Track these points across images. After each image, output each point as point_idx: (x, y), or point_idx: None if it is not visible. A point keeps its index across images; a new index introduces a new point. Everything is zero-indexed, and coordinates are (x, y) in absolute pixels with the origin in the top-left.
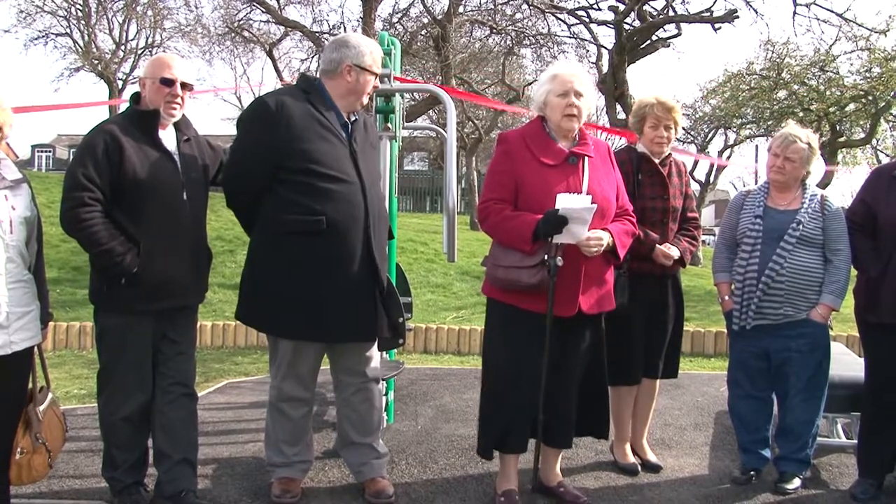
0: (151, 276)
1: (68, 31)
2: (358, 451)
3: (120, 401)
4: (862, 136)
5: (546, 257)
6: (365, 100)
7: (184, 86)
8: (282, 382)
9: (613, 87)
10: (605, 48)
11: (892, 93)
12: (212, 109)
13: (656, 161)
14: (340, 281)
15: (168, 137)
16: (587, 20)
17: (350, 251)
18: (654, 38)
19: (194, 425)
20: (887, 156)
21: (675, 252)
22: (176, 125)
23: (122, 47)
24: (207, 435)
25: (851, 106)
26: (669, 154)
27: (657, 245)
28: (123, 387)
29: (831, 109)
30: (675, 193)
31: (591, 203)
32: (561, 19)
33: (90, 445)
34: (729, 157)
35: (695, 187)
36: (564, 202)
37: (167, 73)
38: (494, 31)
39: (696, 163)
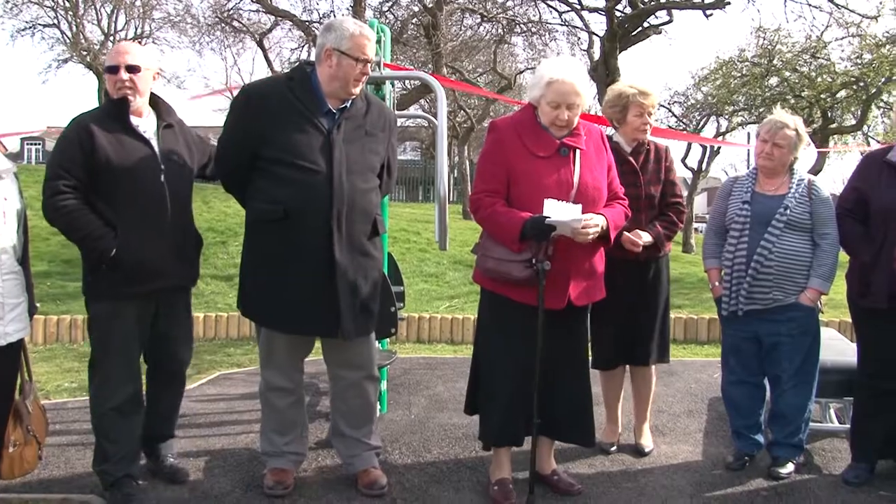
0: (130, 258)
1: (56, 21)
2: (349, 443)
3: (109, 391)
4: (853, 122)
5: (534, 260)
6: (355, 87)
7: (130, 69)
8: (264, 371)
9: (605, 74)
10: (597, 35)
11: (883, 79)
12: (202, 100)
13: (627, 149)
14: (296, 272)
15: (147, 123)
16: (578, 7)
17: (307, 242)
18: (645, 24)
19: (177, 409)
20: (878, 142)
21: (645, 237)
22: (157, 111)
23: (111, 38)
24: (199, 427)
25: (842, 92)
26: (648, 140)
27: (624, 232)
28: (111, 376)
29: (822, 96)
30: (651, 180)
31: (580, 213)
32: (552, 6)
33: (81, 439)
34: (725, 136)
35: (687, 175)
36: (552, 211)
37: (111, 61)
38: (485, 18)
39: (688, 150)
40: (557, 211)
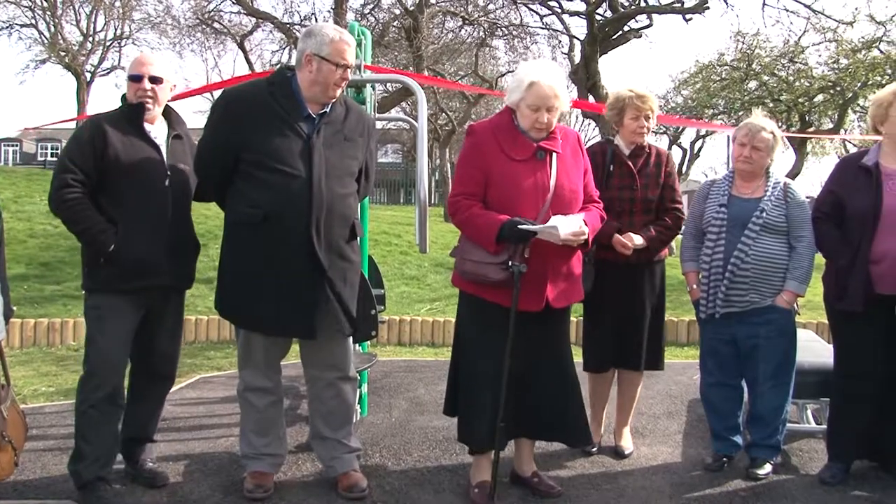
0: (128, 255)
1: (33, 21)
2: (328, 445)
3: (92, 386)
4: (830, 126)
5: (510, 263)
6: (335, 92)
7: (153, 80)
8: (242, 371)
9: (586, 77)
10: (578, 39)
11: (859, 84)
12: (183, 102)
13: (626, 152)
14: (276, 274)
15: (158, 131)
16: (559, 11)
17: (288, 245)
18: (625, 28)
19: (160, 410)
20: (855, 146)
21: (637, 240)
22: (168, 121)
23: (90, 39)
24: (179, 430)
25: (820, 96)
26: (648, 144)
27: (616, 234)
28: (96, 372)
29: (800, 100)
30: (649, 184)
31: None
32: (533, 10)
33: (58, 444)
34: (704, 139)
35: None
36: (561, 225)
37: (135, 70)
38: (467, 21)
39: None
40: (566, 225)
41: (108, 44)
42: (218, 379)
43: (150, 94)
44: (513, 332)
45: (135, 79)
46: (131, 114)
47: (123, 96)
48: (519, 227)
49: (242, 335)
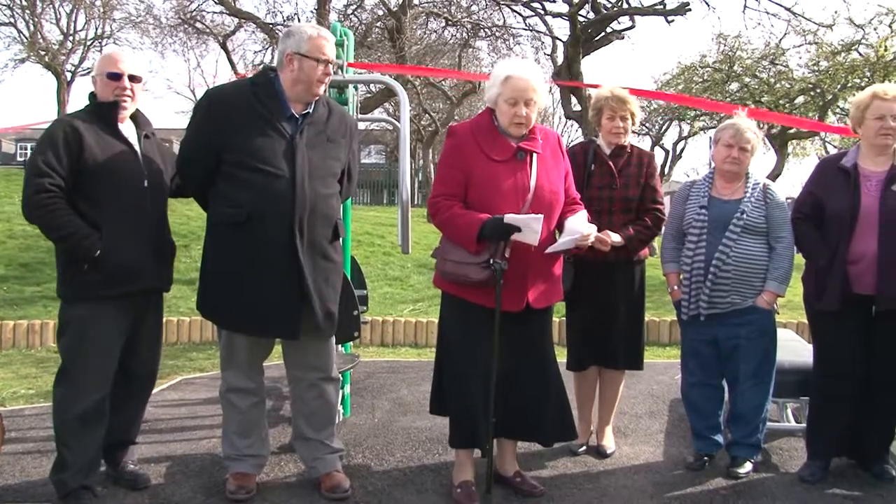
0: (113, 260)
1: (12, 20)
2: (311, 446)
3: (74, 397)
4: None
5: (491, 260)
6: (318, 89)
7: (132, 78)
8: (225, 372)
9: (569, 78)
10: (560, 40)
11: (839, 86)
12: (165, 102)
13: (607, 152)
14: (259, 274)
15: (128, 131)
16: (542, 12)
17: (270, 245)
18: (608, 30)
19: (142, 413)
20: (835, 147)
21: (614, 238)
22: (135, 121)
23: (70, 38)
24: (161, 432)
25: (800, 98)
26: (629, 144)
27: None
28: (80, 382)
29: (781, 102)
30: (629, 183)
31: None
32: (516, 11)
33: (37, 447)
34: (686, 141)
35: None
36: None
37: (114, 67)
38: (450, 22)
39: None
40: (578, 223)
41: (88, 43)
42: (200, 380)
43: (128, 92)
44: (497, 330)
45: (114, 77)
46: (105, 113)
47: (92, 94)
48: (503, 221)
49: (225, 336)
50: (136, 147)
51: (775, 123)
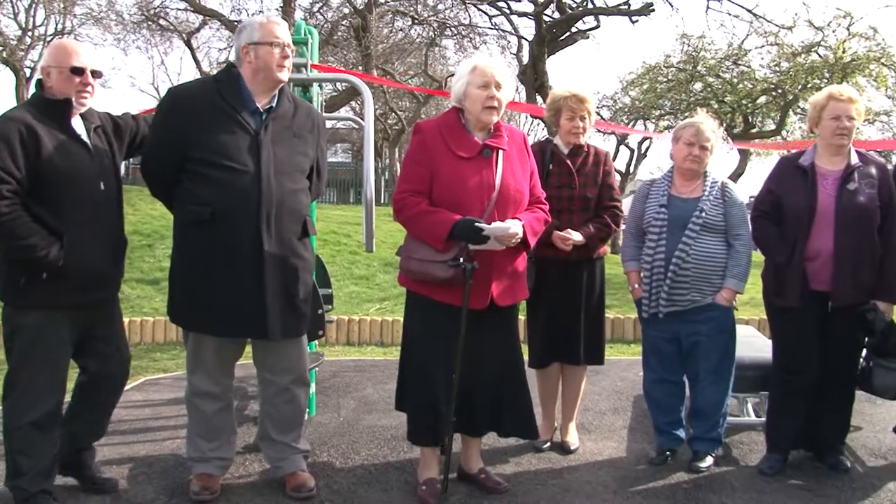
0: (75, 269)
1: None
2: (277, 447)
3: (28, 404)
4: (773, 127)
5: (461, 259)
6: (280, 73)
7: (93, 73)
8: (191, 375)
9: (534, 78)
10: (526, 39)
11: (800, 86)
12: (128, 100)
13: (565, 151)
14: (224, 273)
15: (77, 126)
16: (508, 11)
17: (237, 242)
18: (573, 29)
19: (110, 413)
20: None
21: (576, 236)
22: (83, 114)
23: (29, 33)
24: (124, 434)
25: (762, 98)
26: (587, 143)
27: (555, 230)
28: (33, 389)
29: (744, 101)
30: (587, 182)
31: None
32: (482, 10)
33: None
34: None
35: (616, 177)
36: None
37: (76, 61)
38: (416, 21)
39: (616, 153)
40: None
41: (48, 39)
42: (164, 380)
43: (89, 89)
44: (465, 330)
45: (77, 71)
46: (57, 110)
47: (39, 85)
48: (475, 224)
49: (192, 338)
50: (88, 143)
51: (737, 124)
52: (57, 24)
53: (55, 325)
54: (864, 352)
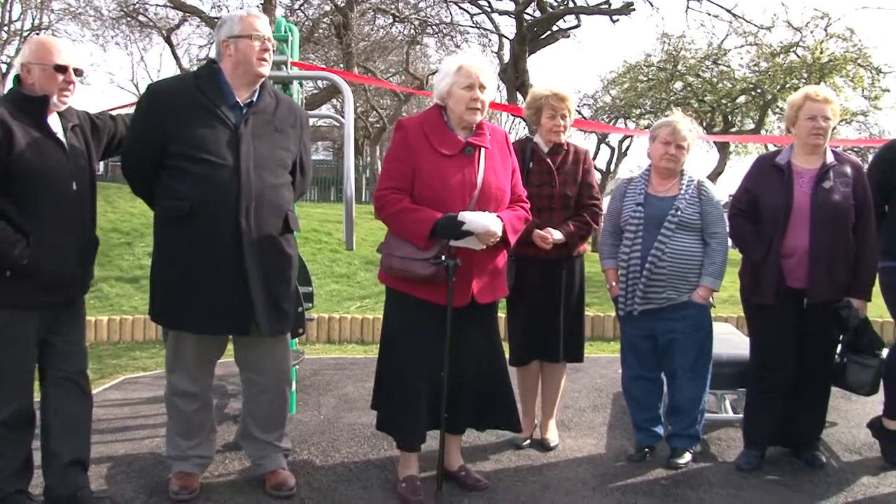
0: (41, 269)
1: None
2: (259, 445)
3: None
4: (752, 126)
5: (443, 257)
6: (261, 67)
7: (76, 71)
8: (170, 374)
9: (514, 76)
10: (507, 38)
11: (778, 86)
12: (106, 96)
13: (545, 150)
14: (204, 268)
15: (54, 124)
16: (489, 10)
17: (216, 236)
18: (554, 28)
19: (88, 424)
20: (775, 146)
21: (556, 235)
22: (60, 112)
23: (6, 29)
24: (102, 433)
25: (742, 98)
26: (567, 142)
27: (535, 229)
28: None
29: (723, 101)
30: (567, 181)
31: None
32: (464, 9)
33: None
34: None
35: (597, 175)
36: (469, 217)
37: (59, 58)
38: (397, 19)
39: (597, 151)
40: (475, 219)
41: (25, 35)
42: (143, 379)
43: (71, 87)
44: (450, 328)
45: (60, 69)
46: (34, 107)
47: (17, 81)
48: (456, 218)
49: (172, 337)
50: (64, 142)
51: (717, 123)
52: (34, 20)
53: (21, 323)
54: (839, 349)
